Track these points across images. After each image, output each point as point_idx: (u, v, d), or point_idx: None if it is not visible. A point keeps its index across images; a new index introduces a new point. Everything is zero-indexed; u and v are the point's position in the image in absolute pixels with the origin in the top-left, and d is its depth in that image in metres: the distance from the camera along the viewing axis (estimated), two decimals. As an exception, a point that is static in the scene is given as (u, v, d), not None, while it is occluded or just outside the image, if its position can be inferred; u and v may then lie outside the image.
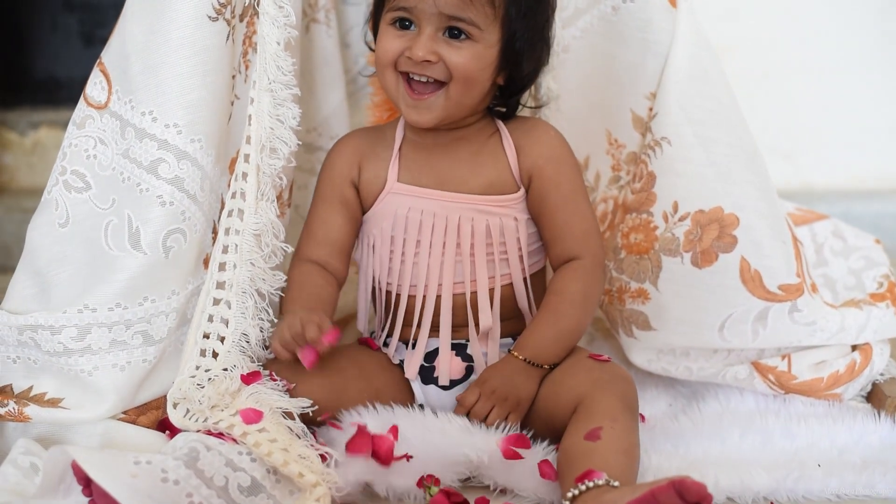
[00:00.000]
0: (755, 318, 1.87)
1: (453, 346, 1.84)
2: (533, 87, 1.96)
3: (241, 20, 1.79)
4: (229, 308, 1.78)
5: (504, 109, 1.89)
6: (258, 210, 1.80)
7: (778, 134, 2.91)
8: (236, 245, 1.80)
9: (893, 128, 2.97)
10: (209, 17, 1.71)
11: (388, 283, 1.85)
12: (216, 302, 1.78)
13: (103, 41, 1.78)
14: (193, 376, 1.73)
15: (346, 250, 1.89)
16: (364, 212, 1.88)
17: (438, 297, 1.82)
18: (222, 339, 1.78)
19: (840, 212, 2.69)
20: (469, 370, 1.84)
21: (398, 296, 1.84)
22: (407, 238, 1.81)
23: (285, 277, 1.85)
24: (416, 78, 1.76)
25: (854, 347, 1.94)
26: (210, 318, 1.78)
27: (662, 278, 1.90)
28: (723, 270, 1.86)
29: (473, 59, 1.74)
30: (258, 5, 1.80)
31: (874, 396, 1.93)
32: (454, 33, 1.74)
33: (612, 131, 1.98)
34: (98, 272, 1.71)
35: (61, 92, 3.08)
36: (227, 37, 1.74)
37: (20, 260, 1.77)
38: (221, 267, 1.79)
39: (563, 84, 1.99)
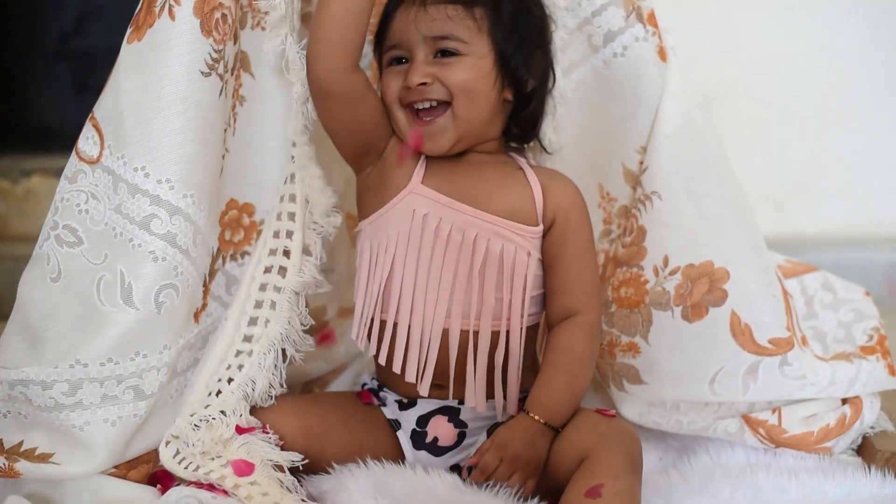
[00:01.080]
0: (745, 371, 1.87)
1: (444, 411, 1.82)
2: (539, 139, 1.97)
3: (232, 74, 1.81)
4: (249, 356, 1.79)
5: (521, 136, 1.91)
6: (302, 269, 1.82)
7: (768, 182, 2.93)
8: (272, 301, 1.82)
9: (883, 175, 2.98)
10: (202, 72, 1.72)
11: (392, 307, 1.79)
12: (238, 353, 1.80)
13: (96, 89, 1.78)
14: (193, 415, 1.74)
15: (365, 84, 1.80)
16: (374, 211, 1.83)
17: (443, 331, 1.78)
18: (230, 381, 1.78)
19: (830, 260, 2.70)
20: (461, 436, 1.82)
21: (396, 325, 1.79)
22: (423, 245, 1.78)
23: (312, 341, 1.87)
24: (420, 106, 1.78)
25: (844, 401, 1.94)
26: (228, 367, 1.80)
27: (653, 332, 1.90)
28: (713, 324, 1.86)
29: (467, 71, 1.77)
30: (250, 60, 1.83)
31: (864, 450, 1.93)
32: (444, 53, 1.77)
33: (604, 185, 1.99)
34: (90, 327, 1.71)
35: (54, 139, 3.08)
36: (220, 91, 1.75)
37: (11, 314, 1.77)
38: (252, 321, 1.81)
39: (558, 135, 1.99)
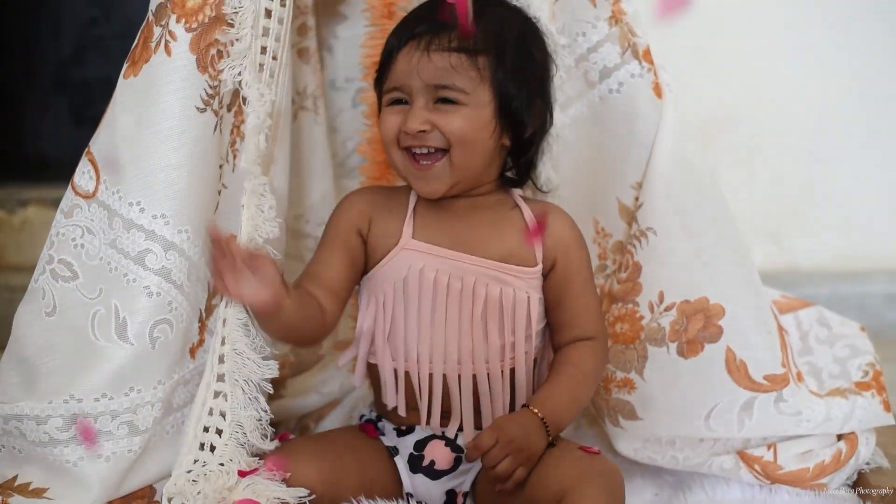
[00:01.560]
0: (741, 407, 1.87)
1: (442, 435, 1.82)
2: (533, 176, 1.95)
3: (229, 110, 1.80)
4: (226, 400, 1.77)
5: (516, 178, 1.90)
6: None
7: (763, 214, 2.93)
8: (229, 335, 1.79)
9: (878, 208, 2.99)
10: (197, 108, 1.72)
11: (399, 356, 1.80)
12: (216, 395, 1.78)
13: (93, 120, 1.78)
14: (190, 471, 1.72)
15: (340, 293, 1.83)
16: (370, 269, 1.83)
17: (444, 376, 1.79)
18: (219, 432, 1.77)
19: (826, 293, 2.70)
20: (458, 461, 1.82)
21: (404, 372, 1.80)
22: (422, 298, 1.78)
23: (277, 364, 1.83)
24: (418, 150, 1.77)
25: (840, 436, 1.94)
26: (210, 411, 1.78)
27: (648, 368, 1.90)
28: (708, 360, 1.86)
29: (466, 121, 1.75)
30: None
31: (860, 486, 1.92)
32: (444, 101, 1.76)
33: (599, 220, 1.99)
34: (84, 362, 1.71)
35: (50, 170, 3.08)
36: (215, 127, 1.76)
37: (6, 348, 1.77)
38: (221, 359, 1.78)
39: (556, 172, 1.99)
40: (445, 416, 1.82)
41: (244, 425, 1.76)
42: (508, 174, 1.90)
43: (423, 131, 1.75)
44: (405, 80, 1.77)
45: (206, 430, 1.76)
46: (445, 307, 1.77)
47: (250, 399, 1.78)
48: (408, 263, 1.79)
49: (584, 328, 1.83)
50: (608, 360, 1.91)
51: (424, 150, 1.77)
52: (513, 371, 1.81)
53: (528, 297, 1.80)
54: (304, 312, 1.77)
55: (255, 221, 1.79)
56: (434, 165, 1.77)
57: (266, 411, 1.79)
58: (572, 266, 1.82)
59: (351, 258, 1.83)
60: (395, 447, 1.85)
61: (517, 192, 1.89)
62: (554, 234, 1.82)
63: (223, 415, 1.76)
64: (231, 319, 1.78)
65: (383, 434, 1.87)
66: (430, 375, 1.79)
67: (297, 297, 1.75)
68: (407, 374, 1.80)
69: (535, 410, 1.75)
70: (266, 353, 1.80)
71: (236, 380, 1.77)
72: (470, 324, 1.77)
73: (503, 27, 1.81)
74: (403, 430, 1.85)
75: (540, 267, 1.81)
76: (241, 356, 1.78)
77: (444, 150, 1.77)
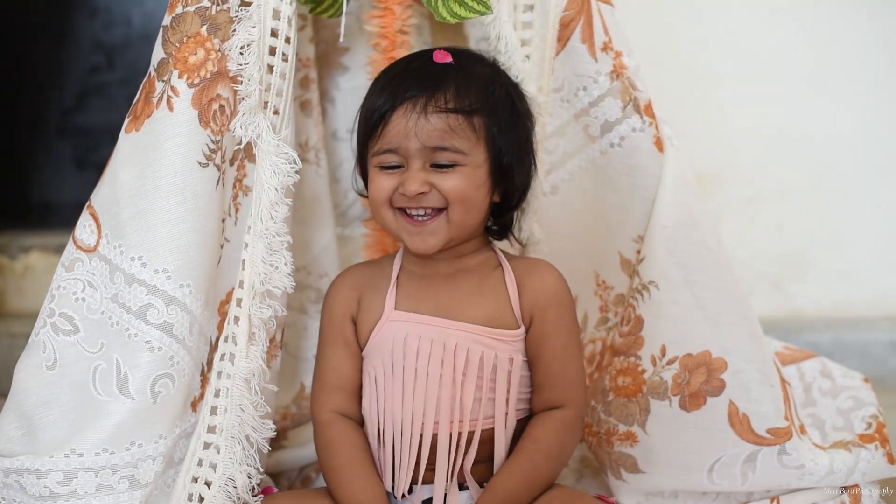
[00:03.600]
0: (744, 461, 1.86)
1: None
2: (514, 229, 1.95)
3: (232, 164, 1.81)
4: (218, 453, 1.77)
5: (499, 231, 1.89)
6: (249, 355, 1.80)
7: (765, 261, 2.92)
8: (227, 389, 1.80)
9: (881, 255, 2.98)
10: (199, 163, 1.73)
11: (385, 422, 1.79)
12: (206, 446, 1.78)
13: (96, 167, 1.79)
14: None
15: (359, 391, 1.86)
16: (362, 345, 1.84)
17: (434, 436, 1.77)
18: (209, 484, 1.76)
19: (828, 340, 2.70)
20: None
21: (394, 435, 1.79)
22: (406, 365, 1.77)
23: (273, 426, 1.83)
24: (414, 213, 1.77)
25: (843, 489, 1.93)
26: (200, 462, 1.77)
27: (650, 421, 1.90)
28: (711, 414, 1.86)
29: (464, 181, 1.75)
30: (254, 148, 1.81)
31: (864, 538, 1.92)
32: (442, 163, 1.75)
33: (600, 273, 1.99)
34: (85, 416, 1.71)
35: (53, 216, 3.09)
36: (217, 182, 1.76)
37: (7, 401, 1.77)
38: (213, 411, 1.79)
39: (550, 225, 1.99)
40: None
41: (236, 481, 1.76)
42: (493, 228, 1.90)
43: (423, 193, 1.74)
44: (402, 143, 1.75)
45: (195, 480, 1.77)
46: (427, 371, 1.77)
47: (246, 455, 1.78)
48: (392, 334, 1.80)
49: (556, 394, 1.81)
50: (581, 431, 1.89)
51: (421, 212, 1.77)
52: (494, 431, 1.79)
53: (512, 359, 1.79)
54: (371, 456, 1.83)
55: (272, 279, 1.81)
56: (429, 223, 1.77)
57: (259, 469, 1.80)
58: (547, 326, 1.81)
59: (353, 351, 1.85)
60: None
61: (501, 248, 1.89)
62: (530, 292, 1.82)
63: (213, 466, 1.76)
64: (237, 375, 1.78)
65: (384, 492, 1.86)
66: (410, 439, 1.78)
67: (364, 451, 1.82)
68: (395, 439, 1.79)
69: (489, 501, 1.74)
70: (266, 412, 1.80)
71: (234, 436, 1.77)
72: (451, 386, 1.76)
73: (493, 84, 1.81)
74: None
75: (522, 329, 1.81)
76: (244, 413, 1.78)
77: (440, 209, 1.76)
